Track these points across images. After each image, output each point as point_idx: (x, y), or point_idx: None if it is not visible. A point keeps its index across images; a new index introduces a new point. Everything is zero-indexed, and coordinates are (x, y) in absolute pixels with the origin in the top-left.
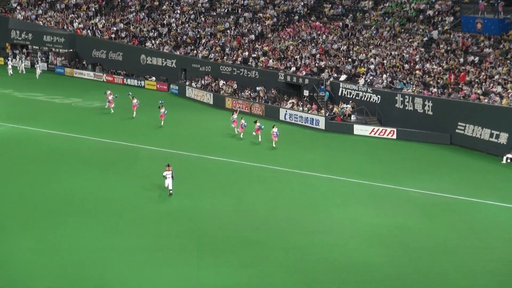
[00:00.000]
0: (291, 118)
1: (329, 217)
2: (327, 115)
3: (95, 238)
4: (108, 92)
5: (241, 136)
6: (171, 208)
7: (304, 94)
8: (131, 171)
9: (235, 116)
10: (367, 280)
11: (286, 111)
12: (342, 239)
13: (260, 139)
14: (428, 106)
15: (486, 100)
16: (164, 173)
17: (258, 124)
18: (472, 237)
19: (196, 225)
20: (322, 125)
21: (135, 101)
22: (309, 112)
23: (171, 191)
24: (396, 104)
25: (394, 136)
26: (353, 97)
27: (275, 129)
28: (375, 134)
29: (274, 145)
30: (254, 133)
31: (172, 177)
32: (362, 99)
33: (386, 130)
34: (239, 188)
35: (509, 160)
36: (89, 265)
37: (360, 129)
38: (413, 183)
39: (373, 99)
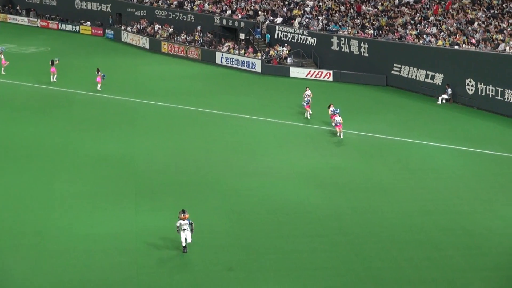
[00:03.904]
0: (227, 62)
1: (266, 160)
2: (263, 58)
3: (31, 184)
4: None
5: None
6: (107, 153)
7: (240, 37)
8: (66, 117)
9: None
10: (304, 221)
11: (222, 54)
12: (279, 181)
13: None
14: (364, 48)
15: (421, 42)
16: (178, 223)
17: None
18: (408, 178)
19: (133, 170)
20: (258, 68)
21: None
22: (246, 55)
23: (185, 247)
24: (332, 46)
25: (330, 78)
26: (289, 39)
27: (338, 118)
28: (311, 76)
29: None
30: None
31: (191, 229)
32: (298, 41)
33: (322, 72)
34: (176, 132)
35: (444, 101)
36: (26, 211)
37: (296, 72)
38: (349, 124)
39: (309, 42)
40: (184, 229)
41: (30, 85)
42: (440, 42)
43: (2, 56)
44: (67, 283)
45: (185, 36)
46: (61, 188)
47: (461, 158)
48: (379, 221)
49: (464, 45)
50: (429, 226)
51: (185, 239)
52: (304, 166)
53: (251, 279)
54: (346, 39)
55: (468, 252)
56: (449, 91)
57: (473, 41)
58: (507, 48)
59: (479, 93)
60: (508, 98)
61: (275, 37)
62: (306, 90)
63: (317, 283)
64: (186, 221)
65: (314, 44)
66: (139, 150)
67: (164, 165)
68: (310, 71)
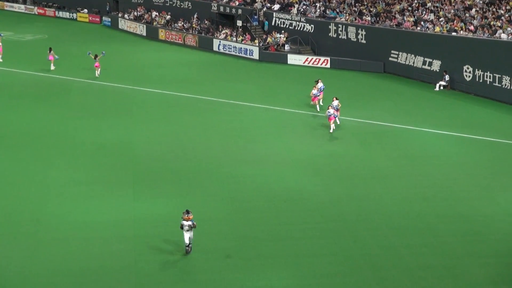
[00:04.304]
0: (224, 49)
1: (264, 147)
2: (261, 45)
3: (28, 172)
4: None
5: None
6: (105, 140)
7: (238, 24)
8: (64, 104)
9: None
10: (302, 208)
11: (220, 41)
12: (277, 168)
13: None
14: (362, 34)
15: (419, 28)
16: (182, 223)
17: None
18: (406, 164)
19: (131, 157)
20: (256, 55)
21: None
22: (243, 42)
23: (189, 246)
24: (329, 33)
25: (328, 65)
26: (287, 26)
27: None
28: (309, 63)
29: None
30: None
31: (192, 227)
32: (296, 28)
33: (320, 59)
34: (174, 119)
35: (442, 87)
36: (23, 199)
37: (294, 59)
38: (347, 111)
39: (307, 29)
40: (187, 230)
41: (27, 72)
42: (437, 29)
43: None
44: (65, 271)
45: (182, 23)
46: (58, 176)
47: (459, 145)
48: (377, 208)
49: (461, 32)
50: (428, 213)
51: (188, 239)
52: (302, 153)
53: (249, 267)
54: (344, 26)
55: (467, 238)
56: (447, 77)
57: (471, 27)
58: (505, 34)
59: (477, 80)
60: (505, 85)
61: (273, 24)
62: (318, 82)
63: (315, 270)
64: (190, 222)
65: (312, 31)
66: (137, 137)
67: (162, 152)
68: (307, 58)
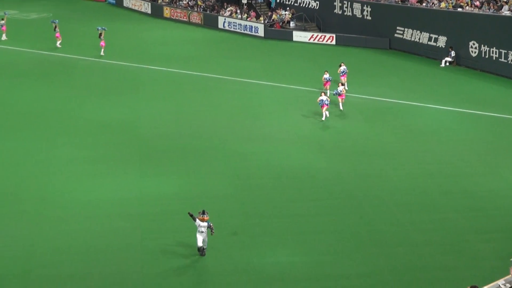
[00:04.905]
0: (230, 26)
1: (269, 124)
2: (266, 22)
3: (34, 150)
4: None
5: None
6: (111, 119)
7: (243, 1)
8: (69, 83)
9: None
10: (308, 185)
11: (225, 19)
12: (283, 145)
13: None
14: (367, 11)
15: (424, 4)
16: (197, 223)
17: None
18: (411, 141)
19: (137, 135)
20: (261, 33)
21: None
22: (248, 19)
23: (203, 250)
24: (334, 10)
25: (333, 42)
26: (292, 3)
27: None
28: (314, 40)
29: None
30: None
31: (210, 228)
32: (301, 5)
33: (325, 36)
34: (179, 97)
35: (447, 64)
36: (28, 177)
37: (299, 36)
38: (353, 88)
39: (312, 5)
40: (202, 232)
41: (32, 51)
42: (443, 5)
43: (4, 21)
44: (69, 249)
45: (187, 1)
46: (63, 154)
47: (464, 121)
48: (382, 184)
49: (467, 7)
50: (432, 189)
51: (202, 241)
52: (308, 130)
53: (255, 244)
54: (349, 3)
55: (471, 214)
56: (453, 53)
57: (477, 3)
58: (510, 10)
59: (483, 56)
60: (511, 60)
61: (278, 0)
62: (341, 66)
63: (321, 247)
64: (205, 223)
65: (317, 8)
66: (142, 115)
67: (167, 130)
68: (313, 35)
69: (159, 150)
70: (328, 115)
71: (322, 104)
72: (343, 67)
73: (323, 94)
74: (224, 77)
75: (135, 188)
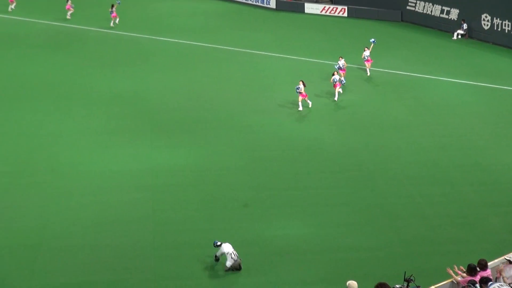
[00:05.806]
0: None
1: (280, 96)
2: None
3: (44, 121)
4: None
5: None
6: (122, 90)
7: None
8: (80, 54)
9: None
10: (319, 158)
11: None
12: (293, 118)
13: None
14: None
15: None
16: (219, 245)
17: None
18: (423, 113)
19: (148, 107)
20: (273, 4)
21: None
22: None
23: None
24: None
25: (345, 14)
26: None
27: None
28: (326, 12)
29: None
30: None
31: (235, 260)
32: None
33: (337, 8)
34: (189, 69)
35: (459, 36)
36: (40, 148)
37: (311, 8)
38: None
39: None
40: (230, 256)
41: (43, 22)
42: None
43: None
44: (81, 220)
45: None
46: (74, 125)
47: (476, 94)
48: (394, 157)
49: None
50: (445, 162)
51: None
52: (319, 103)
53: (266, 216)
54: None
55: (484, 187)
56: (465, 26)
57: None
58: None
59: (495, 28)
60: None
61: None
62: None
63: (333, 219)
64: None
65: None
66: (153, 87)
67: (178, 102)
68: (324, 7)
69: (170, 121)
70: (341, 92)
71: (335, 83)
72: (367, 52)
73: (335, 73)
74: (235, 48)
75: (147, 160)
